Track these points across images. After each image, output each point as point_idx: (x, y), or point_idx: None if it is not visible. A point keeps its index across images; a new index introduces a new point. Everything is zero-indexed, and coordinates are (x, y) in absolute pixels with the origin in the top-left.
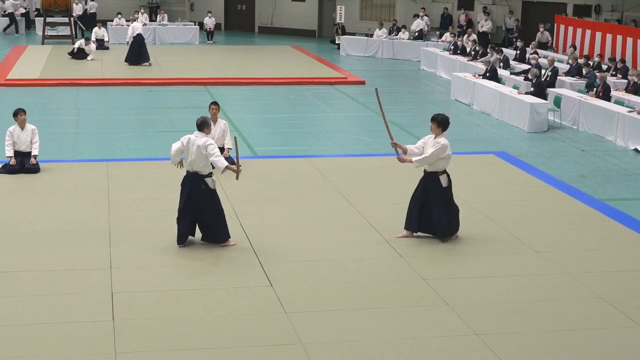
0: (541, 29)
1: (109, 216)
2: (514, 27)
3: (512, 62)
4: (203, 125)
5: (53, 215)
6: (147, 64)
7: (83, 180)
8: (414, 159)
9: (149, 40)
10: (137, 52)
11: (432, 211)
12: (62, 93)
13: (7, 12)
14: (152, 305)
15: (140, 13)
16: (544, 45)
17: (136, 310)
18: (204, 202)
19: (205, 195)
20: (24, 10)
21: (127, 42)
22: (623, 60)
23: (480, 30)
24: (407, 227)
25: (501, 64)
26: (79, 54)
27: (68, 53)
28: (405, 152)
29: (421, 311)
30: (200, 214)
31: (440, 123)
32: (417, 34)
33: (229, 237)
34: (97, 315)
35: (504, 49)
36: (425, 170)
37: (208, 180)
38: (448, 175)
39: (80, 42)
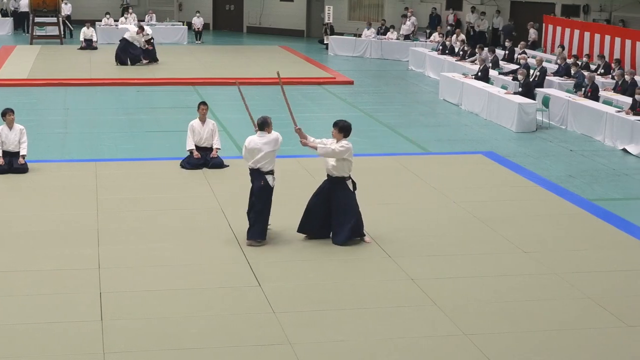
0: (530, 28)
1: (97, 216)
2: (509, 26)
3: (500, 62)
4: (264, 125)
5: (41, 215)
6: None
7: (71, 180)
8: (319, 146)
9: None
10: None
11: (339, 215)
12: (50, 93)
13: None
14: (140, 305)
15: (129, 13)
16: (532, 45)
17: (124, 310)
18: (257, 197)
19: (259, 190)
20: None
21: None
22: (618, 61)
23: (477, 30)
24: (304, 231)
25: (490, 64)
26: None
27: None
28: (306, 139)
29: (409, 311)
30: (251, 207)
31: (342, 129)
32: (404, 37)
33: (260, 239)
34: (85, 315)
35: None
36: (330, 176)
37: (269, 177)
38: (353, 181)
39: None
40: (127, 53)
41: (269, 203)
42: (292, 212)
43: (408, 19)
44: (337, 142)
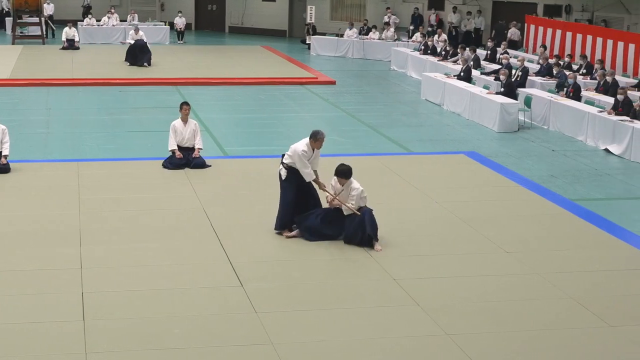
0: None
1: (79, 216)
2: (501, 25)
3: (482, 62)
4: (312, 136)
5: (23, 215)
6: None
7: (53, 180)
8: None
9: (118, 39)
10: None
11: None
12: (32, 93)
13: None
14: (122, 305)
15: (111, 13)
16: (514, 44)
17: (107, 310)
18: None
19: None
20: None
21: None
22: (601, 61)
23: (464, 30)
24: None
25: (471, 63)
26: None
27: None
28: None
29: (392, 311)
30: None
31: (342, 173)
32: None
33: (277, 229)
34: (67, 315)
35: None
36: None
37: (282, 170)
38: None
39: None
40: (143, 54)
41: (283, 194)
42: (272, 212)
43: (390, 26)
44: (342, 186)
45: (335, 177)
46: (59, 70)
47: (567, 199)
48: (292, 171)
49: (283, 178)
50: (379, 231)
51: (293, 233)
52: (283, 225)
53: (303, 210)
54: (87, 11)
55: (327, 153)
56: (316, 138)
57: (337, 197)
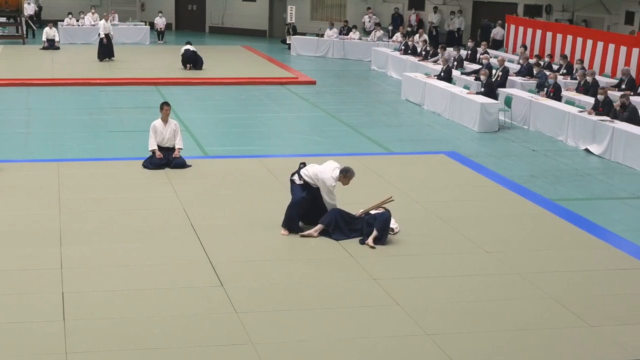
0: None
1: (59, 216)
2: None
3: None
4: (342, 172)
5: (4, 215)
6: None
7: (34, 180)
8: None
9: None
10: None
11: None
12: (12, 93)
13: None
14: (103, 305)
15: (91, 13)
16: (498, 43)
17: (87, 310)
18: None
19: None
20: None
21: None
22: (581, 60)
23: (447, 30)
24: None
25: (455, 62)
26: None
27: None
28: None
29: (372, 311)
30: None
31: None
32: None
33: (283, 225)
34: (48, 315)
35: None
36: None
37: (297, 179)
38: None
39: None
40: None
41: (292, 197)
42: (253, 212)
43: (376, 31)
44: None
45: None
46: (40, 70)
47: (547, 199)
48: (307, 185)
49: (297, 184)
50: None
51: (308, 232)
52: (286, 223)
53: (306, 216)
54: (39, 12)
55: (307, 153)
56: (346, 175)
57: (366, 210)
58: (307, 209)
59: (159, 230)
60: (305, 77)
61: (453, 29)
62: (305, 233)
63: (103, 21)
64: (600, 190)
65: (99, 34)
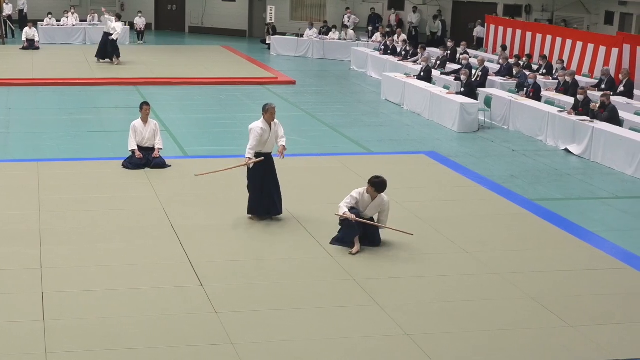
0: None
1: (39, 216)
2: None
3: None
4: (377, 185)
5: None
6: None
7: (13, 180)
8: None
9: (79, 40)
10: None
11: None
12: None
13: None
14: (82, 305)
15: (71, 13)
16: (481, 41)
17: (67, 310)
18: None
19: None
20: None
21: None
22: (562, 60)
23: (430, 32)
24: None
25: (439, 63)
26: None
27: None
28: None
29: (351, 311)
30: None
31: (379, 186)
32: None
33: (249, 212)
34: (27, 315)
35: (430, 48)
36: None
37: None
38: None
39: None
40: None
41: (250, 182)
42: (232, 212)
43: (348, 27)
44: (373, 198)
45: (362, 188)
46: (19, 70)
47: (527, 199)
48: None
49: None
50: (329, 231)
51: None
52: (251, 210)
53: (268, 196)
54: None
55: (286, 153)
56: (267, 111)
57: (362, 220)
58: (263, 186)
59: (138, 230)
60: (285, 77)
61: (436, 30)
62: (354, 251)
63: (120, 23)
64: (579, 190)
65: (110, 34)
